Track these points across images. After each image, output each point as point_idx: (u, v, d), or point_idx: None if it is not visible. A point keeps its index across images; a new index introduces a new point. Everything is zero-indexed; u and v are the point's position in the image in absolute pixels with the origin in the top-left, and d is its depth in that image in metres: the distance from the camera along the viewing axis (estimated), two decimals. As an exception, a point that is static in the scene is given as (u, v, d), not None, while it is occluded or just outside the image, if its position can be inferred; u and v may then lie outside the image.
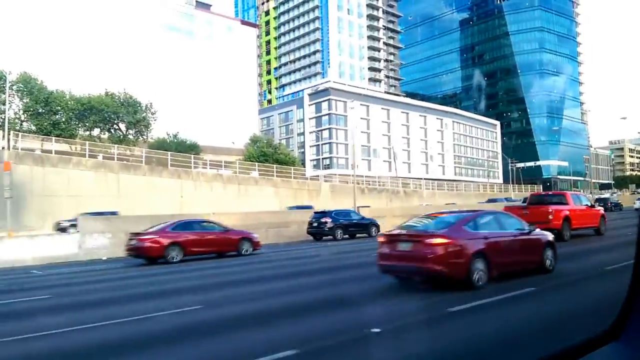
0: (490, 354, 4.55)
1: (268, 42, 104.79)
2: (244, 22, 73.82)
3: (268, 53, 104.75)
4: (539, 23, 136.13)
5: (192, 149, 54.67)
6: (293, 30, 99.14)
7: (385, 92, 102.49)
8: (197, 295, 9.34)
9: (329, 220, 23.78)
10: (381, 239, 8.94)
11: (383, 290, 8.71)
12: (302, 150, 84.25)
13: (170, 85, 63.44)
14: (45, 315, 8.10)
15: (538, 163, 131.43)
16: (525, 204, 19.36)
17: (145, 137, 45.30)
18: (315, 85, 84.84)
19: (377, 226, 24.86)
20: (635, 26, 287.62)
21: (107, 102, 42.06)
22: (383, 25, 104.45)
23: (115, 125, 43.17)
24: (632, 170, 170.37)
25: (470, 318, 6.26)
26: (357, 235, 24.87)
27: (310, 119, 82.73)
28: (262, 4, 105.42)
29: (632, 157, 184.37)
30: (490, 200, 53.95)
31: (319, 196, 51.49)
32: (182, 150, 52.25)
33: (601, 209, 18.31)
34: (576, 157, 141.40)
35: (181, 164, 42.97)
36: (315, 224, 24.10)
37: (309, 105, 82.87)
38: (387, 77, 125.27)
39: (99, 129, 43.51)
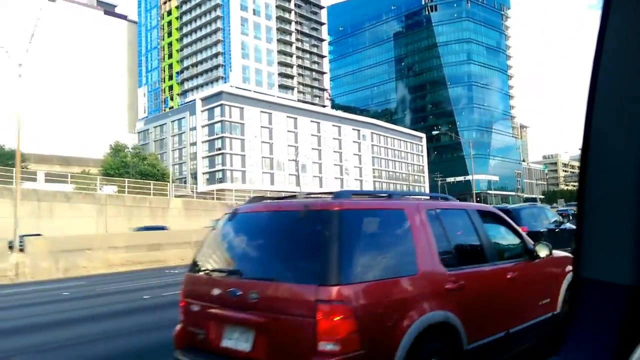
0: None
1: (170, 45, 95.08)
2: (107, 13, 63.96)
3: (170, 56, 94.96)
4: (467, 34, 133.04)
5: (11, 157, 44.22)
6: (195, 31, 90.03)
7: (299, 101, 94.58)
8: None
9: None
10: None
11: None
12: (195, 162, 74.59)
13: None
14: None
15: (467, 177, 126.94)
16: None
17: None
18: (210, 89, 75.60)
19: None
20: (569, 42, 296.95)
21: None
22: (296, 29, 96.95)
23: None
24: (566, 184, 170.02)
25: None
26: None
27: (202, 127, 73.34)
28: (164, 3, 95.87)
29: (565, 171, 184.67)
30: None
31: (167, 215, 41.99)
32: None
33: None
34: (507, 171, 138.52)
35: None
36: None
37: (202, 111, 73.55)
38: (311, 87, 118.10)
39: None
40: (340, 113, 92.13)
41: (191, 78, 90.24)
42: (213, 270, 3.71)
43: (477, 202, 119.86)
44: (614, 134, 1.11)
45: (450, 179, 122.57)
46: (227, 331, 3.33)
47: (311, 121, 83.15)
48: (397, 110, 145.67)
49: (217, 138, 70.77)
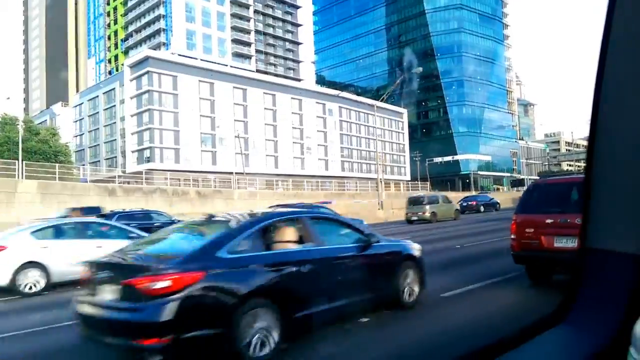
0: None
1: (116, 10, 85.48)
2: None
3: (116, 22, 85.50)
4: (458, 0, 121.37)
5: None
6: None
7: (258, 71, 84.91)
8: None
9: (475, 202, 37.45)
10: None
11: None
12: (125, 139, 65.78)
13: None
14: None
15: (456, 157, 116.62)
16: None
17: None
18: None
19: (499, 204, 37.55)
20: (577, 15, 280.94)
21: None
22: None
23: None
24: (569, 164, 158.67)
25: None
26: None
27: (131, 98, 64.26)
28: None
29: (569, 150, 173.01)
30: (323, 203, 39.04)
31: (14, 200, 33.29)
32: None
33: None
34: (502, 151, 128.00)
35: None
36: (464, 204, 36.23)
37: (130, 80, 64.39)
38: (284, 58, 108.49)
39: None
40: (301, 84, 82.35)
41: (135, 46, 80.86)
42: (543, 211, 6.90)
43: (466, 185, 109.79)
44: (622, 106, 1.09)
45: (438, 159, 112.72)
46: (556, 239, 6.57)
47: (264, 93, 73.58)
48: (386, 85, 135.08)
49: (144, 111, 61.67)
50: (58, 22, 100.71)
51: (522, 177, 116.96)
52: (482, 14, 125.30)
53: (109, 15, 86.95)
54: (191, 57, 71.67)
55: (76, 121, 76.43)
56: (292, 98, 77.68)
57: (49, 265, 9.46)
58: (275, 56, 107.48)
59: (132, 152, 63.84)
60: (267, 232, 4.84)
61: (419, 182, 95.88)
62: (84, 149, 74.49)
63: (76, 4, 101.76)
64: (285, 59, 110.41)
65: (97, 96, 71.04)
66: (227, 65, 76.32)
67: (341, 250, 5.42)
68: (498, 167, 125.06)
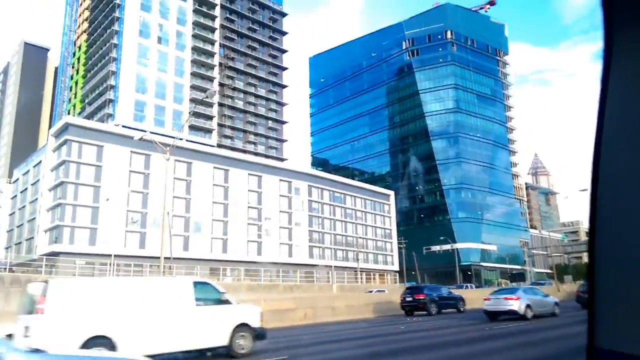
0: None
1: (77, 84, 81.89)
2: None
3: (76, 96, 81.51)
4: (452, 80, 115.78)
5: None
6: (96, 64, 76.55)
7: (219, 146, 77.86)
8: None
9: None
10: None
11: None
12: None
13: None
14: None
15: (455, 246, 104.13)
16: None
17: None
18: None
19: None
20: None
21: None
22: (220, 62, 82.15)
23: None
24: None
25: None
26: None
27: (51, 170, 56.92)
28: (77, 37, 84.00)
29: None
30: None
31: None
32: None
33: None
34: (510, 240, 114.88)
35: None
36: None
37: (53, 151, 57.48)
38: (266, 137, 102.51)
39: None
40: (261, 160, 74.43)
41: (88, 118, 75.54)
42: None
43: (467, 277, 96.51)
44: (621, 197, 1.05)
45: (436, 248, 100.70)
46: None
47: (215, 167, 65.65)
48: (382, 167, 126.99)
49: (57, 185, 53.88)
50: (33, 96, 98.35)
51: (525, 268, 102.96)
52: (480, 95, 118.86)
53: (71, 89, 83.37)
54: (136, 129, 64.93)
55: (12, 198, 69.44)
56: (249, 174, 69.45)
57: (532, 305, 19.02)
58: (256, 134, 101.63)
59: (45, 231, 55.18)
60: None
61: (405, 275, 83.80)
62: (13, 229, 66.63)
63: (54, 78, 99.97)
64: (267, 137, 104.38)
65: (29, 170, 64.29)
66: (182, 139, 69.44)
67: None
68: (505, 258, 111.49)
